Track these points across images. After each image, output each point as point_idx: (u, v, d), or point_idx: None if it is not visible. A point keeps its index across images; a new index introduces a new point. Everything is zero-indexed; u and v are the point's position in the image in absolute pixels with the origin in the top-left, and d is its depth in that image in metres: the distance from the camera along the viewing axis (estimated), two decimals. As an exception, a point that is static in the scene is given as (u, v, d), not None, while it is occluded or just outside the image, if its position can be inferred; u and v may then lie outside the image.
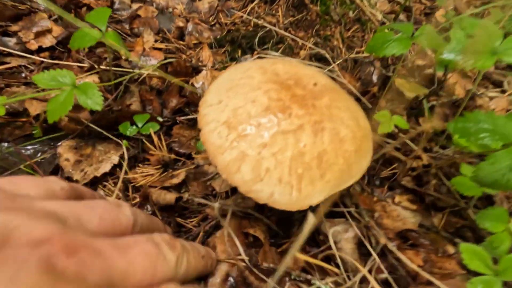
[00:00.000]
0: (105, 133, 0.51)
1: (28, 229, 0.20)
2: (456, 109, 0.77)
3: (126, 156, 0.49)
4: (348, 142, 0.36)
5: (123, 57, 0.62)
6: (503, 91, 0.91)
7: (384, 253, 0.45)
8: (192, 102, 0.61)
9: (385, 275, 0.41)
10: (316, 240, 0.45)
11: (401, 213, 0.50)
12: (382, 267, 0.41)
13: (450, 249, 0.46)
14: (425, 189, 0.54)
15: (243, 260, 0.38)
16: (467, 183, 0.47)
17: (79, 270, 0.20)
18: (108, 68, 0.54)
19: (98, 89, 0.46)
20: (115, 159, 0.50)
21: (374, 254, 0.42)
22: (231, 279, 0.37)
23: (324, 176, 0.34)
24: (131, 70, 0.56)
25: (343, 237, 0.44)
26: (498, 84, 0.97)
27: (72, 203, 0.26)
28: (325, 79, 0.42)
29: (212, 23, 0.77)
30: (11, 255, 0.19)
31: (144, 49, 0.64)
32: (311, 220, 0.28)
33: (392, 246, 0.43)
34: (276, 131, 0.33)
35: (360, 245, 0.44)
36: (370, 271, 0.40)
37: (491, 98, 0.84)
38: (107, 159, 0.50)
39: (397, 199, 0.52)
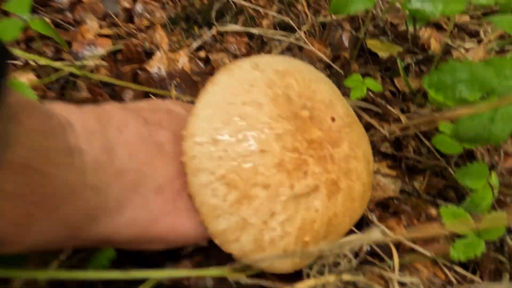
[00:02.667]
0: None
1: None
2: (432, 65, 0.74)
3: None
4: (358, 199, 0.32)
5: (65, 50, 0.56)
6: (480, 41, 0.88)
7: (367, 224, 0.43)
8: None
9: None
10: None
11: (381, 181, 0.48)
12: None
13: (433, 212, 0.44)
14: (404, 153, 0.51)
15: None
16: (447, 141, 0.44)
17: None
18: (45, 64, 0.49)
19: (31, 88, 0.40)
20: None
21: (355, 230, 0.39)
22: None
23: (328, 237, 0.30)
24: (73, 64, 0.51)
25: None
26: (474, 35, 0.93)
27: None
28: (342, 104, 0.36)
29: (165, 1, 0.70)
30: None
31: (87, 38, 0.57)
32: None
33: (373, 217, 0.41)
34: (288, 196, 0.27)
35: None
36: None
37: (467, 50, 0.81)
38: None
39: (375, 166, 0.49)
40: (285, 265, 0.29)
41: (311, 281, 0.25)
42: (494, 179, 0.41)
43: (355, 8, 0.48)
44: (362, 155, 0.34)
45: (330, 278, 0.25)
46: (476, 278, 0.35)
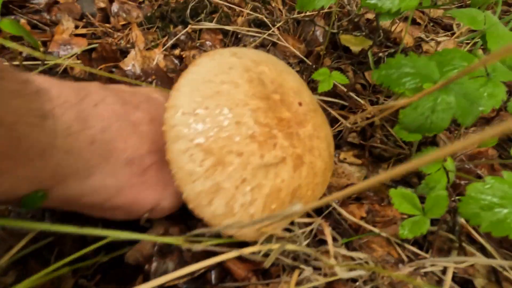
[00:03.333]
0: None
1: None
2: (404, 58, 0.76)
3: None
4: (319, 175, 0.34)
5: (41, 50, 0.57)
6: (453, 34, 0.91)
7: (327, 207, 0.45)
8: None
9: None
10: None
11: (347, 169, 0.50)
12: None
13: (394, 197, 0.46)
14: (370, 142, 0.54)
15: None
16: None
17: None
18: (19, 63, 0.50)
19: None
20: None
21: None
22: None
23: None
24: (46, 62, 0.52)
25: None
26: (448, 28, 0.96)
27: None
28: (308, 94, 0.39)
29: (141, 0, 0.72)
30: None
31: (63, 38, 0.59)
32: None
33: (334, 203, 0.43)
34: (258, 164, 0.30)
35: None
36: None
37: (439, 43, 0.83)
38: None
39: (342, 156, 0.51)
40: (251, 233, 0.30)
41: (256, 247, 0.27)
42: (450, 164, 0.44)
43: (320, 4, 0.50)
44: (324, 137, 0.37)
45: (274, 246, 0.27)
46: (427, 255, 0.37)
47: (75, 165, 0.27)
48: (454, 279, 0.36)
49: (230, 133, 0.29)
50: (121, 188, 0.30)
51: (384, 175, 0.18)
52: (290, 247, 0.27)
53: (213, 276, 0.34)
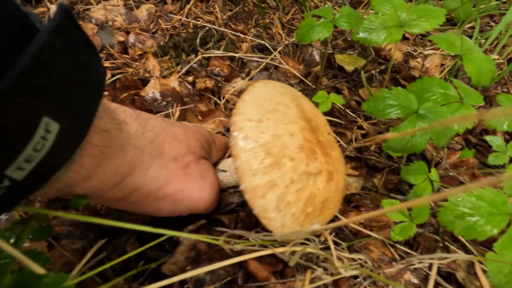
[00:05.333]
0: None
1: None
2: (394, 74, 0.84)
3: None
4: (340, 193, 0.42)
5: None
6: (439, 48, 0.98)
7: (332, 219, 0.52)
8: (146, 110, 0.64)
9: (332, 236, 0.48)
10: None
11: (347, 180, 0.57)
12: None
13: (387, 204, 0.53)
14: (366, 155, 0.61)
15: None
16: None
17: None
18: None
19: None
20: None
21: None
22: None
23: (320, 216, 0.38)
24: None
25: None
26: (435, 41, 1.04)
27: None
28: (330, 130, 0.47)
29: (153, 30, 0.79)
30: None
31: (89, 71, 0.65)
32: None
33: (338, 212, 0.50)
34: (304, 171, 0.36)
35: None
36: (319, 235, 0.47)
37: (426, 56, 0.91)
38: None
39: (341, 169, 0.58)
40: (289, 231, 0.35)
41: (285, 248, 0.34)
42: (434, 174, 0.51)
43: (316, 37, 0.57)
44: (343, 163, 0.44)
45: (298, 248, 0.34)
46: (415, 254, 0.44)
47: (141, 158, 0.34)
48: (439, 273, 0.44)
49: (285, 141, 0.36)
50: (171, 178, 0.37)
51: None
52: (310, 249, 0.34)
53: (239, 278, 0.41)
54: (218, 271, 0.40)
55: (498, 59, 0.89)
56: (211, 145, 0.46)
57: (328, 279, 0.36)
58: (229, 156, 0.49)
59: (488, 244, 0.49)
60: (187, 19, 0.77)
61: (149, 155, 0.35)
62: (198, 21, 0.76)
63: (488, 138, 0.58)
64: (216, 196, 0.42)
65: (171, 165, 0.37)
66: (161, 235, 0.41)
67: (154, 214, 0.39)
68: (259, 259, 0.40)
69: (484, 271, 0.44)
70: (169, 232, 0.32)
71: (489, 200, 0.36)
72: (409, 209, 0.42)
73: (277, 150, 0.35)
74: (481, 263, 0.44)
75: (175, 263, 0.42)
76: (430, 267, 0.43)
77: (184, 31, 0.76)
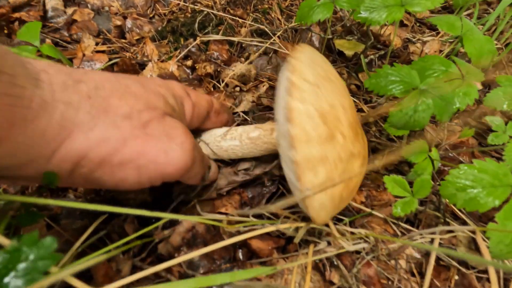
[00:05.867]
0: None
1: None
2: (393, 59, 0.84)
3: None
4: (361, 178, 0.39)
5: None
6: (438, 33, 0.98)
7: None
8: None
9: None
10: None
11: (347, 162, 0.57)
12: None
13: (388, 184, 0.53)
14: (367, 137, 0.61)
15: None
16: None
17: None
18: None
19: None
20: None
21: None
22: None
23: (348, 199, 0.37)
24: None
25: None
26: (434, 28, 1.04)
27: None
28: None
29: (151, 15, 0.78)
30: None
31: (85, 55, 0.65)
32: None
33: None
34: (350, 151, 0.33)
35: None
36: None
37: (425, 43, 0.90)
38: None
39: (342, 150, 0.58)
40: (323, 211, 0.32)
41: (288, 224, 0.33)
42: (435, 153, 0.51)
43: (316, 18, 0.57)
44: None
45: (302, 223, 0.33)
46: (416, 230, 0.45)
47: (78, 117, 0.28)
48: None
49: (339, 115, 0.33)
50: (126, 139, 0.30)
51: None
52: (314, 225, 0.34)
53: (240, 255, 0.41)
54: (213, 255, 0.40)
55: (496, 44, 0.89)
56: (182, 101, 0.39)
57: (332, 252, 0.36)
58: (238, 124, 0.46)
59: (488, 220, 0.49)
60: (185, 4, 0.76)
61: (88, 113, 0.28)
62: (196, 5, 0.75)
63: (488, 118, 0.58)
64: (192, 158, 0.34)
65: (123, 124, 0.30)
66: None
67: (119, 187, 0.32)
68: (260, 237, 0.40)
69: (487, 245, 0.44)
70: (168, 216, 0.30)
71: (491, 172, 0.36)
72: (411, 185, 0.42)
73: (332, 122, 0.31)
74: (482, 237, 0.44)
75: (171, 243, 0.42)
76: (431, 242, 0.43)
77: (182, 15, 0.75)
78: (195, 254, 0.30)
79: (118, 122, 0.30)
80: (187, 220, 0.44)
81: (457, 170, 0.37)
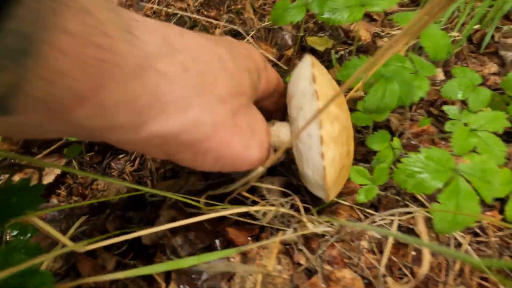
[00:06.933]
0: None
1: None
2: (363, 53, 0.88)
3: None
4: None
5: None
6: (406, 27, 1.03)
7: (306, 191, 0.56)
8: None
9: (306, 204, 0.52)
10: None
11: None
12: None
13: (355, 173, 0.57)
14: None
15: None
16: (361, 116, 0.58)
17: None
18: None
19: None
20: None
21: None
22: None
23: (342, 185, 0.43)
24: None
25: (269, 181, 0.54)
26: (402, 21, 1.08)
27: None
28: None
29: (126, 19, 0.79)
30: None
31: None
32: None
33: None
34: (349, 144, 0.41)
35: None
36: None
37: (392, 37, 0.95)
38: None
39: (313, 143, 0.62)
40: (336, 191, 0.41)
41: (258, 207, 0.37)
42: (396, 142, 0.55)
43: (290, 20, 0.60)
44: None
45: (271, 207, 0.37)
46: (378, 214, 0.49)
47: (173, 93, 0.24)
48: (400, 229, 0.49)
49: (343, 110, 0.40)
50: (218, 127, 0.27)
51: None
52: (282, 209, 0.38)
53: (218, 245, 0.44)
54: (195, 240, 0.44)
55: (458, 36, 0.94)
56: (260, 74, 0.35)
57: (298, 235, 0.40)
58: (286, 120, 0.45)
59: (444, 202, 0.54)
60: (158, 7, 0.78)
61: (183, 89, 0.24)
62: (170, 8, 0.77)
63: (445, 107, 0.63)
64: (266, 157, 0.33)
65: (217, 108, 0.27)
66: (141, 212, 0.44)
67: (191, 167, 0.31)
68: (237, 225, 0.44)
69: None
70: (158, 192, 0.33)
71: (436, 159, 0.40)
72: (371, 173, 0.47)
73: (340, 105, 0.39)
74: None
75: (155, 232, 0.45)
76: (391, 223, 0.48)
77: (157, 19, 0.76)
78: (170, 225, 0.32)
79: (213, 106, 0.27)
80: (167, 213, 0.47)
81: (407, 158, 0.41)
